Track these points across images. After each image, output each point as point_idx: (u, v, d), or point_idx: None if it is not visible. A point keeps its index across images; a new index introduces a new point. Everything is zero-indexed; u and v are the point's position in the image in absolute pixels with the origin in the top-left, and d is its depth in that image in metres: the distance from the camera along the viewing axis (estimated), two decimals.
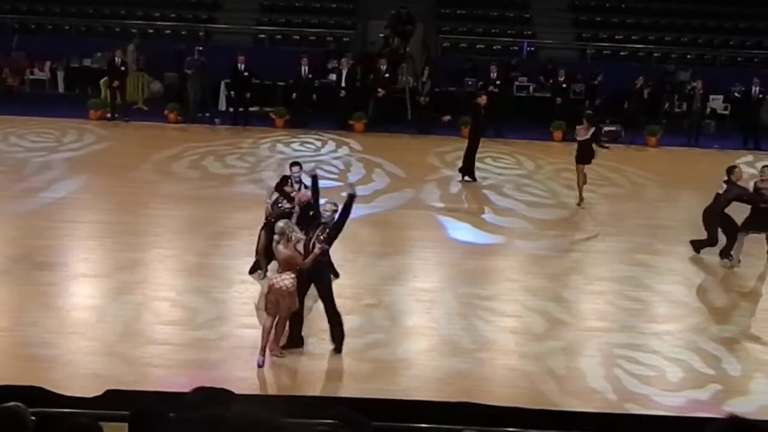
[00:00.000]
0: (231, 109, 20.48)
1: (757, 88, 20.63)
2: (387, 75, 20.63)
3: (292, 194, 10.57)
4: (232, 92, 20.24)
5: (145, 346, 9.14)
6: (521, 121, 20.83)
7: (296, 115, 20.05)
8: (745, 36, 24.55)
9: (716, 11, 24.96)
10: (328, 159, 17.47)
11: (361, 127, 20.00)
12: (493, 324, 10.15)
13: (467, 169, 16.18)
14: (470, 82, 21.64)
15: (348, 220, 9.15)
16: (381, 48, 22.21)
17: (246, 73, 19.95)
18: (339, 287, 10.71)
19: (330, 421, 4.22)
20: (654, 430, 7.18)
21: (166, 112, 19.97)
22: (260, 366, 8.71)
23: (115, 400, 6.06)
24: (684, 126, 20.74)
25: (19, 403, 3.90)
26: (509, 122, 20.07)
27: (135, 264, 11.34)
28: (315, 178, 9.69)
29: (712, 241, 12.39)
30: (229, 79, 20.36)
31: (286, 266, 8.65)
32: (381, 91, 20.27)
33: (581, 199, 14.96)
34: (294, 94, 20.10)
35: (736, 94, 22.12)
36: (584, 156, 14.85)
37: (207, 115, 20.43)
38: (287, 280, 8.62)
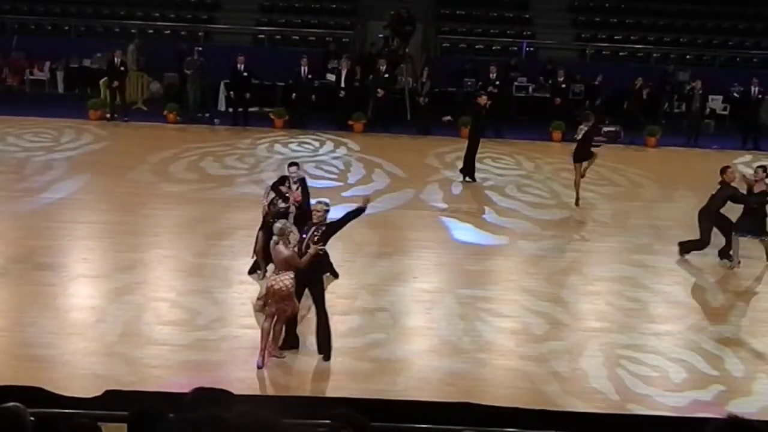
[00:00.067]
0: (230, 110, 20.47)
1: (756, 89, 20.64)
2: (386, 75, 20.63)
3: (287, 194, 10.59)
4: (231, 92, 20.23)
5: (144, 347, 9.13)
6: (521, 121, 20.85)
7: (296, 115, 20.05)
8: (744, 36, 24.57)
9: (715, 12, 24.98)
10: (328, 159, 17.47)
11: (360, 127, 20.00)
12: (492, 324, 10.15)
13: (468, 169, 16.18)
14: (470, 83, 21.66)
15: (346, 226, 9.18)
16: (380, 48, 22.21)
17: (245, 74, 19.95)
18: (339, 287, 10.75)
19: (329, 421, 4.22)
20: (656, 430, 7.18)
21: (165, 112, 19.97)
22: (260, 367, 8.71)
23: (114, 401, 6.06)
24: (683, 126, 20.75)
25: (18, 404, 3.89)
26: (508, 122, 20.07)
27: (134, 264, 11.33)
28: (303, 181, 9.75)
29: (702, 242, 12.35)
30: (229, 79, 20.35)
31: (285, 266, 8.63)
32: (380, 92, 20.27)
33: (577, 198, 14.98)
34: (293, 95, 20.09)
35: (735, 95, 22.13)
36: (579, 154, 14.89)
37: (206, 115, 20.43)
38: (287, 280, 8.60)
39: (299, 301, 8.96)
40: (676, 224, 13.80)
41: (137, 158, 16.58)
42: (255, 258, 10.97)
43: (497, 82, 20.45)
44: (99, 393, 6.89)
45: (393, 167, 16.90)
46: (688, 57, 23.76)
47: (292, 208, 10.49)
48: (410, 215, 14.18)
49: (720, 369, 9.31)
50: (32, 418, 3.96)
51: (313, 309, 9.21)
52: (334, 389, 8.51)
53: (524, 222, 14.05)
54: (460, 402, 7.61)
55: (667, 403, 8.51)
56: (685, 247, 12.50)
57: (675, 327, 10.38)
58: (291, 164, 11.22)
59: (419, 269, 11.84)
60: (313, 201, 9.36)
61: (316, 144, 18.72)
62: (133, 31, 23.07)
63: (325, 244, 9.02)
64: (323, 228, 8.96)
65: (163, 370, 8.68)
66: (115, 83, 19.85)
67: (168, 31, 23.77)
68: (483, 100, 16.20)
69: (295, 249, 8.74)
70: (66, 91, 22.71)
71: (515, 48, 24.02)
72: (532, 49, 24.18)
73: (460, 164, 16.46)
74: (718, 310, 11.08)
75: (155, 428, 3.81)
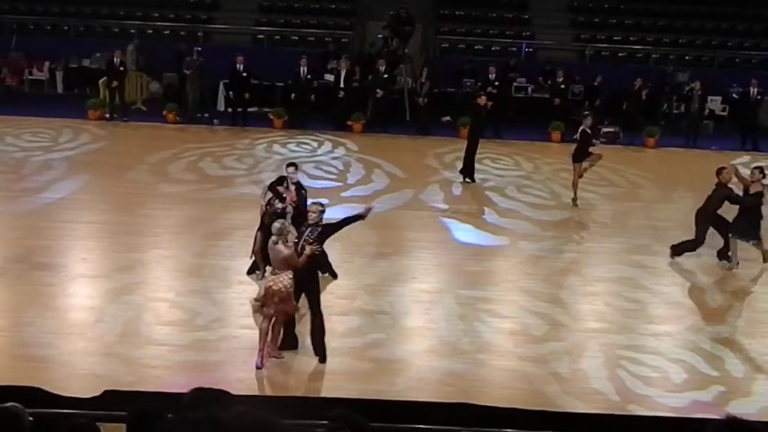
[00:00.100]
0: (230, 110, 20.47)
1: (755, 89, 20.64)
2: (385, 76, 20.62)
3: (284, 194, 10.59)
4: (230, 93, 20.21)
5: (143, 347, 9.13)
6: (520, 122, 20.85)
7: (295, 115, 20.04)
8: (743, 37, 24.58)
9: (714, 12, 24.99)
10: (327, 159, 17.46)
11: (359, 127, 19.99)
12: (491, 325, 10.14)
13: (467, 170, 16.18)
14: (469, 83, 21.66)
15: (343, 228, 9.20)
16: (380, 49, 22.20)
17: (245, 74, 19.94)
18: (338, 288, 10.75)
19: (328, 422, 4.22)
20: (656, 431, 7.18)
21: (164, 112, 19.96)
22: (259, 368, 8.70)
23: (113, 401, 6.05)
24: (682, 127, 20.76)
25: (16, 404, 3.88)
26: (508, 123, 20.07)
27: (133, 264, 11.32)
28: (299, 184, 9.78)
29: (696, 243, 12.33)
30: (228, 79, 20.34)
31: (284, 265, 8.63)
32: (380, 92, 20.27)
33: (575, 197, 14.98)
34: (293, 95, 20.07)
35: (734, 95, 22.13)
36: (578, 154, 14.92)
37: (206, 115, 20.43)
38: (285, 280, 8.60)
39: (297, 301, 8.96)
40: (676, 225, 13.79)
41: (136, 158, 16.58)
42: (254, 258, 10.98)
43: (496, 83, 20.43)
44: (98, 393, 6.88)
45: (392, 167, 16.90)
46: (687, 58, 23.76)
47: (290, 209, 10.49)
48: (409, 216, 14.17)
49: (720, 369, 9.31)
50: (31, 418, 3.95)
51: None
52: (333, 389, 8.50)
53: (524, 223, 14.05)
54: (459, 402, 7.59)
55: (667, 403, 8.50)
56: (678, 249, 12.48)
57: (674, 327, 10.38)
58: (289, 165, 11.22)
59: (418, 270, 11.83)
60: (309, 201, 9.37)
61: (315, 144, 18.71)
62: (132, 31, 23.07)
63: (321, 245, 9.02)
64: (319, 229, 8.96)
65: (162, 371, 8.67)
66: (115, 83, 19.85)
67: (167, 31, 23.77)
68: (482, 100, 16.20)
69: (294, 248, 8.74)
70: (65, 91, 22.71)
71: (514, 48, 24.02)
72: (531, 49, 24.19)
73: (459, 165, 16.46)
74: (717, 310, 11.09)
75: (154, 428, 3.80)
